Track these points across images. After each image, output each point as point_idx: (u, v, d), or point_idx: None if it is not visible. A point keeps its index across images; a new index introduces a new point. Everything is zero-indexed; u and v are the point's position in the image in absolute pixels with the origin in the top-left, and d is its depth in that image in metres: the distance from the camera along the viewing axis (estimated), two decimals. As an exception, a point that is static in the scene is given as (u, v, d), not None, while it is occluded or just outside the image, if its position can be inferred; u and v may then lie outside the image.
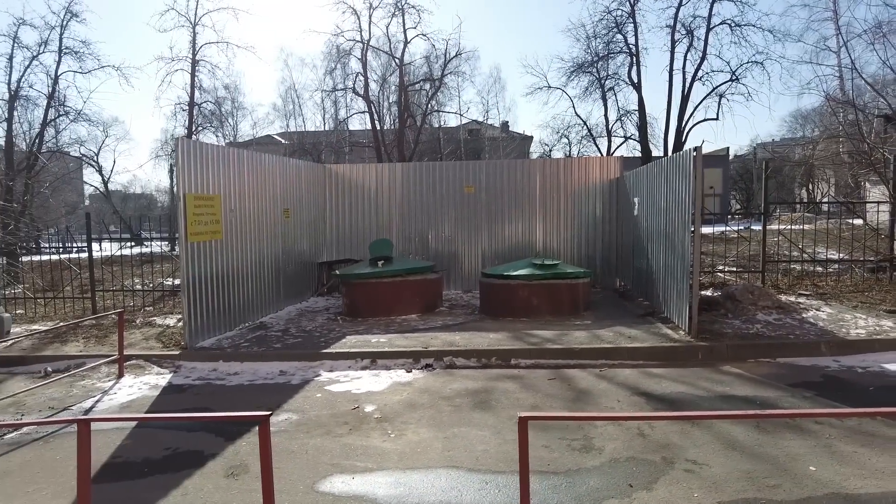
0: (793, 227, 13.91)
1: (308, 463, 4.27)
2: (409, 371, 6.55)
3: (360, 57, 28.28)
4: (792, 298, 8.99)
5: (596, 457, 4.20)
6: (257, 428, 2.99)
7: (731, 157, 44.77)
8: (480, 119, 36.03)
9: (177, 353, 7.25)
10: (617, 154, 28.29)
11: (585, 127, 30.20)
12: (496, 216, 11.60)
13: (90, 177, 34.75)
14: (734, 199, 47.33)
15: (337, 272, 9.99)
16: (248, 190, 8.82)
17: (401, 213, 11.79)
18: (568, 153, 32.19)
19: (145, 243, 16.53)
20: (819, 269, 11.55)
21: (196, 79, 27.57)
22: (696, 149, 6.93)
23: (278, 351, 7.20)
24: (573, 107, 30.54)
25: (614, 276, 11.29)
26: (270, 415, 3.00)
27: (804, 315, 7.99)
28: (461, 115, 33.42)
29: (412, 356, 6.89)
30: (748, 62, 25.05)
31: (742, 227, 18.17)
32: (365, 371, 6.60)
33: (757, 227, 12.41)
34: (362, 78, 28.58)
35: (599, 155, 28.52)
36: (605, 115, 29.05)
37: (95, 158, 31.38)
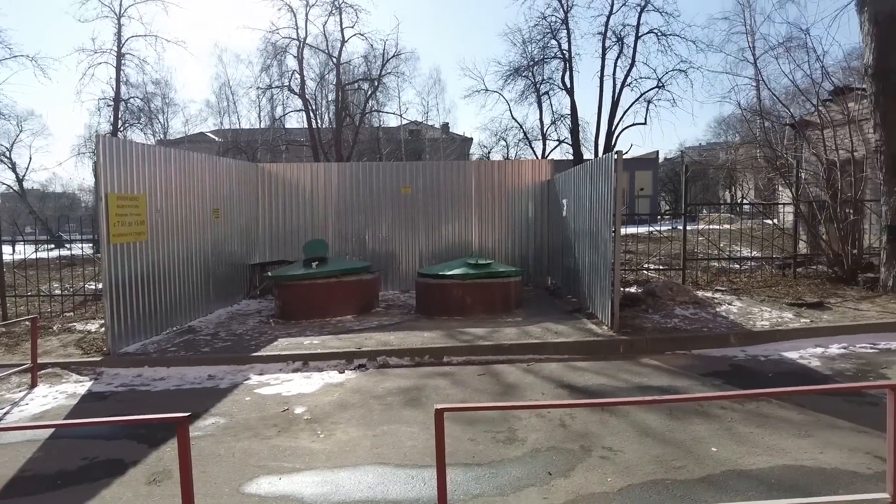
0: (710, 226, 14.80)
1: (235, 465, 4.23)
2: (341, 372, 6.56)
3: (296, 55, 27.83)
4: (708, 294, 9.59)
5: (519, 448, 4.38)
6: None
7: (660, 161, 46.95)
8: (420, 120, 36.23)
9: (98, 359, 6.95)
10: (551, 157, 29.12)
11: (522, 130, 30.98)
12: (433, 217, 11.73)
13: (2, 174, 32.46)
14: (663, 200, 49.69)
15: (269, 273, 9.83)
16: (176, 189, 8.55)
17: (337, 214, 11.72)
18: (506, 155, 32.87)
19: (66, 245, 15.63)
20: (735, 266, 12.38)
21: (122, 73, 26.36)
22: (617, 153, 7.32)
23: (207, 355, 7.03)
24: (510, 110, 31.28)
25: (546, 274, 11.66)
26: (189, 416, 2.98)
27: (718, 309, 8.56)
28: (401, 116, 33.52)
29: (345, 357, 6.91)
30: (673, 70, 26.56)
31: (668, 228, 19.19)
32: (296, 373, 6.56)
33: (682, 227, 13.10)
34: (299, 76, 28.13)
35: (534, 158, 29.26)
36: (541, 119, 29.93)
37: (8, 154, 29.41)
